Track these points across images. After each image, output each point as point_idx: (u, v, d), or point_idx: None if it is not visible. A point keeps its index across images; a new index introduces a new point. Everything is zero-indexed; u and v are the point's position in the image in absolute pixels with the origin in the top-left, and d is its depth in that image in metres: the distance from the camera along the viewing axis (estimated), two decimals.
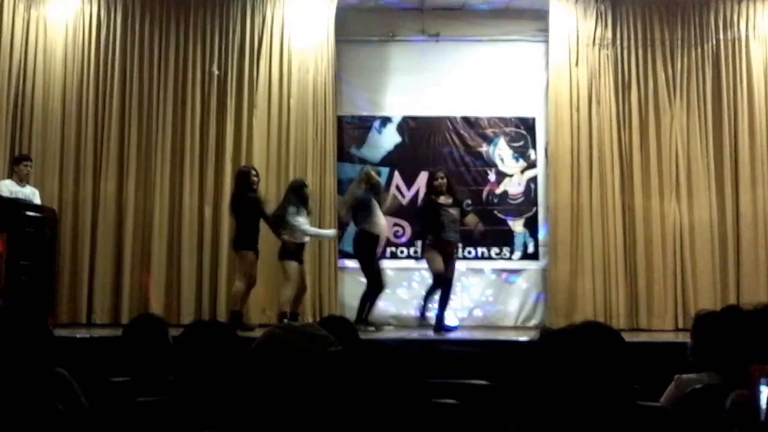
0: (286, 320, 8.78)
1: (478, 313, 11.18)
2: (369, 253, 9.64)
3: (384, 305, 10.37)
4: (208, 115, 10.95)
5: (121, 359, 3.88)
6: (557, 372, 2.26)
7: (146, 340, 3.85)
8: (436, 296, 9.53)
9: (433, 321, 9.52)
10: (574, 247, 10.84)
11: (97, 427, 3.35)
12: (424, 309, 9.63)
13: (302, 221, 9.43)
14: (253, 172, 9.66)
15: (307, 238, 9.61)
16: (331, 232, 9.78)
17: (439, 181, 9.58)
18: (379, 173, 10.18)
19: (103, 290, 10.54)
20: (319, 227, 10.16)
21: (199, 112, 10.95)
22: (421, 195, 10.84)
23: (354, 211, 9.69)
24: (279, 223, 9.43)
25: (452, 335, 9.34)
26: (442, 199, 9.50)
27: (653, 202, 10.83)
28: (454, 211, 9.50)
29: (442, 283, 9.45)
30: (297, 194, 9.51)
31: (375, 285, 9.59)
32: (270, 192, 10.60)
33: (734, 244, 10.76)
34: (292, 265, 9.43)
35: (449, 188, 9.62)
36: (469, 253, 11.26)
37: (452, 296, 9.91)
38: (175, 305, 10.50)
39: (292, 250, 9.40)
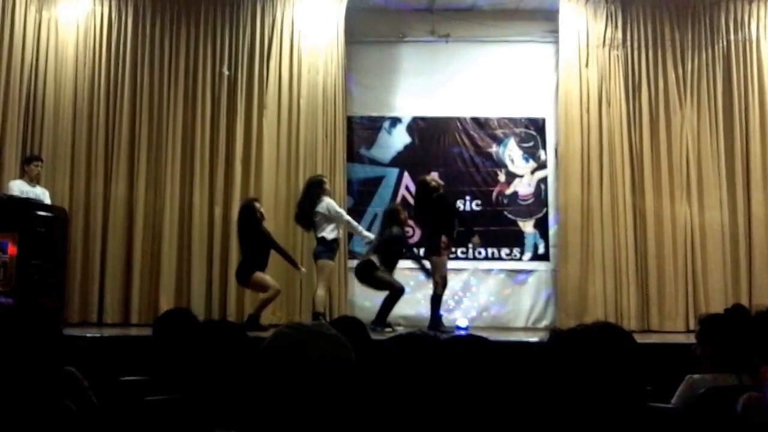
0: (322, 319, 8.76)
1: (488, 313, 11.17)
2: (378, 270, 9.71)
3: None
4: (218, 116, 10.97)
5: (151, 355, 3.84)
6: (568, 373, 2.25)
7: (177, 334, 3.78)
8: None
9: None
10: (584, 248, 10.81)
11: (107, 426, 3.35)
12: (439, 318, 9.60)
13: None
14: (257, 205, 9.61)
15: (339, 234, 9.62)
16: (372, 235, 9.80)
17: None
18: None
19: (114, 289, 10.56)
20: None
21: (209, 113, 10.97)
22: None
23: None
24: (308, 223, 9.49)
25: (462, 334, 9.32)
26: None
27: (664, 202, 10.80)
28: None
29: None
30: (323, 189, 9.55)
31: (395, 290, 9.60)
32: (279, 192, 10.61)
33: (746, 244, 10.72)
34: (329, 263, 9.47)
35: None
36: (479, 253, 11.27)
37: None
38: (184, 305, 10.49)
39: (331, 247, 9.43)
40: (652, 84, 11.09)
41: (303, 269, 9.76)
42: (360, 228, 9.98)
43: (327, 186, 9.65)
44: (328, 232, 9.38)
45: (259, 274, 9.36)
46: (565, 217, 10.98)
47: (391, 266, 9.66)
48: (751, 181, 10.80)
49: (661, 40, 11.18)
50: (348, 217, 9.76)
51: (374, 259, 9.50)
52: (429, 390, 1.91)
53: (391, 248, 9.64)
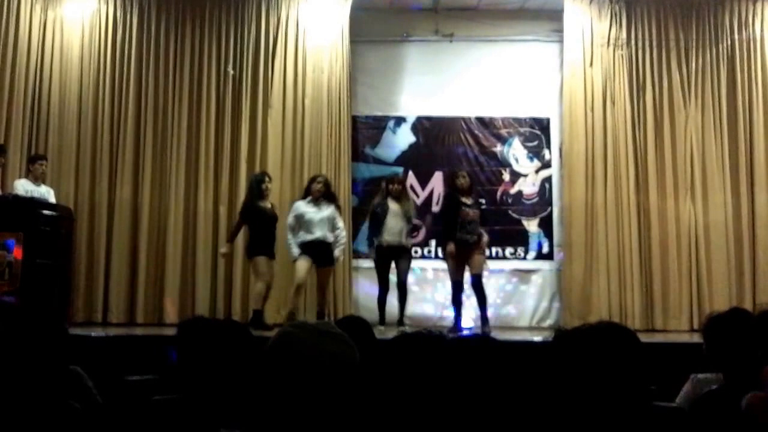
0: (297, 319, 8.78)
1: (492, 313, 11.12)
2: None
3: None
4: (223, 115, 10.99)
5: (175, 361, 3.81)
6: (573, 372, 2.25)
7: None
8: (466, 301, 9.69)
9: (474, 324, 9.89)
10: (588, 248, 10.81)
11: (112, 425, 3.36)
12: (458, 318, 9.55)
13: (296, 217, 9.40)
14: (267, 179, 9.64)
15: (315, 235, 9.37)
16: (295, 252, 9.39)
17: (461, 180, 9.54)
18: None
19: (119, 289, 10.58)
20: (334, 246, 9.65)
21: (214, 112, 10.99)
22: (435, 194, 10.95)
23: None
24: None
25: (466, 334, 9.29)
26: (463, 199, 9.48)
27: (668, 202, 10.80)
28: (472, 211, 9.47)
29: (473, 284, 9.45)
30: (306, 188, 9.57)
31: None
32: (284, 192, 10.61)
33: (750, 244, 10.71)
34: (297, 263, 9.36)
35: (470, 189, 9.60)
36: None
37: (471, 298, 9.77)
38: (189, 305, 10.52)
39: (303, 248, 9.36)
40: (656, 83, 11.08)
41: (223, 250, 9.83)
42: (288, 241, 9.50)
43: (309, 189, 9.50)
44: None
45: (255, 260, 9.40)
46: (569, 216, 10.97)
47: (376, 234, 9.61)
48: (755, 181, 10.80)
49: (666, 40, 11.17)
50: (287, 223, 9.48)
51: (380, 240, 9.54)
52: (434, 389, 1.91)
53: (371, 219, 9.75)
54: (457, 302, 9.47)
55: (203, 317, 4.34)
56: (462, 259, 9.34)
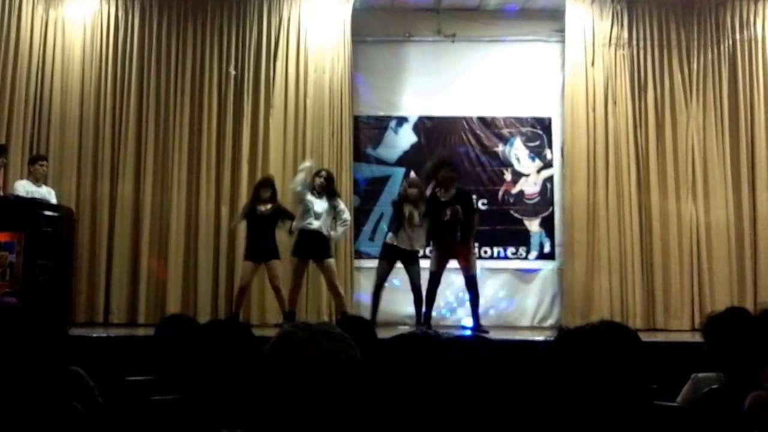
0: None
1: (494, 312, 11.14)
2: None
3: (399, 304, 10.34)
4: (224, 115, 10.99)
5: (151, 358, 3.83)
6: (574, 372, 2.25)
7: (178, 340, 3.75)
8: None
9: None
10: (590, 247, 10.81)
11: (113, 426, 3.36)
12: (428, 313, 9.50)
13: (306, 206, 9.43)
14: (262, 189, 9.63)
15: (314, 226, 9.37)
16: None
17: (442, 174, 9.41)
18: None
19: (120, 290, 10.58)
20: (336, 227, 9.67)
21: (216, 112, 10.99)
22: None
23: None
24: None
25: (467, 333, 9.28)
26: (442, 197, 9.35)
27: (670, 201, 10.80)
28: (449, 209, 9.12)
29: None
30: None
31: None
32: (286, 192, 10.60)
33: (751, 243, 10.71)
34: (293, 265, 9.53)
35: (449, 183, 9.43)
36: (486, 252, 11.25)
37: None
38: (191, 305, 10.52)
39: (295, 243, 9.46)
40: (657, 83, 11.08)
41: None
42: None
43: (312, 182, 9.56)
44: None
45: (244, 264, 9.64)
46: (570, 216, 10.97)
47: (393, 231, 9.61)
48: (756, 180, 10.80)
49: (667, 40, 11.17)
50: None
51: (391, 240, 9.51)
52: (430, 389, 1.92)
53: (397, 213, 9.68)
54: (430, 295, 9.36)
55: (182, 315, 4.35)
56: (446, 254, 9.31)
